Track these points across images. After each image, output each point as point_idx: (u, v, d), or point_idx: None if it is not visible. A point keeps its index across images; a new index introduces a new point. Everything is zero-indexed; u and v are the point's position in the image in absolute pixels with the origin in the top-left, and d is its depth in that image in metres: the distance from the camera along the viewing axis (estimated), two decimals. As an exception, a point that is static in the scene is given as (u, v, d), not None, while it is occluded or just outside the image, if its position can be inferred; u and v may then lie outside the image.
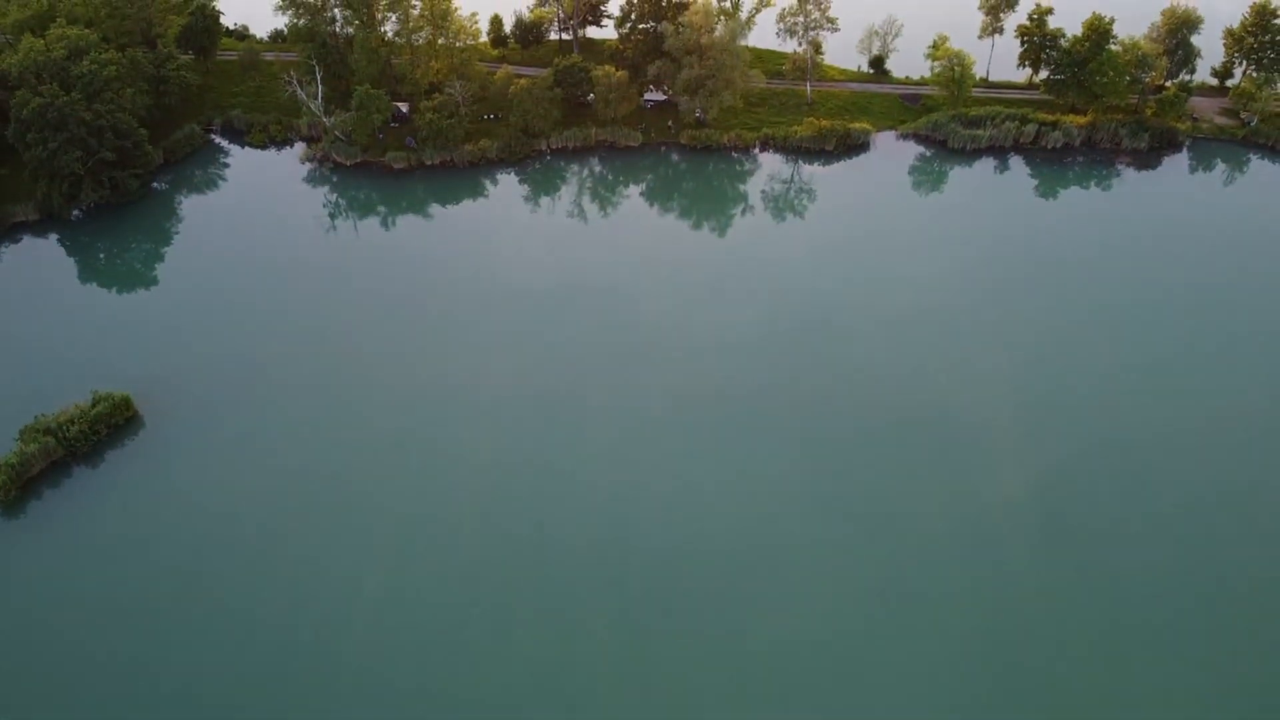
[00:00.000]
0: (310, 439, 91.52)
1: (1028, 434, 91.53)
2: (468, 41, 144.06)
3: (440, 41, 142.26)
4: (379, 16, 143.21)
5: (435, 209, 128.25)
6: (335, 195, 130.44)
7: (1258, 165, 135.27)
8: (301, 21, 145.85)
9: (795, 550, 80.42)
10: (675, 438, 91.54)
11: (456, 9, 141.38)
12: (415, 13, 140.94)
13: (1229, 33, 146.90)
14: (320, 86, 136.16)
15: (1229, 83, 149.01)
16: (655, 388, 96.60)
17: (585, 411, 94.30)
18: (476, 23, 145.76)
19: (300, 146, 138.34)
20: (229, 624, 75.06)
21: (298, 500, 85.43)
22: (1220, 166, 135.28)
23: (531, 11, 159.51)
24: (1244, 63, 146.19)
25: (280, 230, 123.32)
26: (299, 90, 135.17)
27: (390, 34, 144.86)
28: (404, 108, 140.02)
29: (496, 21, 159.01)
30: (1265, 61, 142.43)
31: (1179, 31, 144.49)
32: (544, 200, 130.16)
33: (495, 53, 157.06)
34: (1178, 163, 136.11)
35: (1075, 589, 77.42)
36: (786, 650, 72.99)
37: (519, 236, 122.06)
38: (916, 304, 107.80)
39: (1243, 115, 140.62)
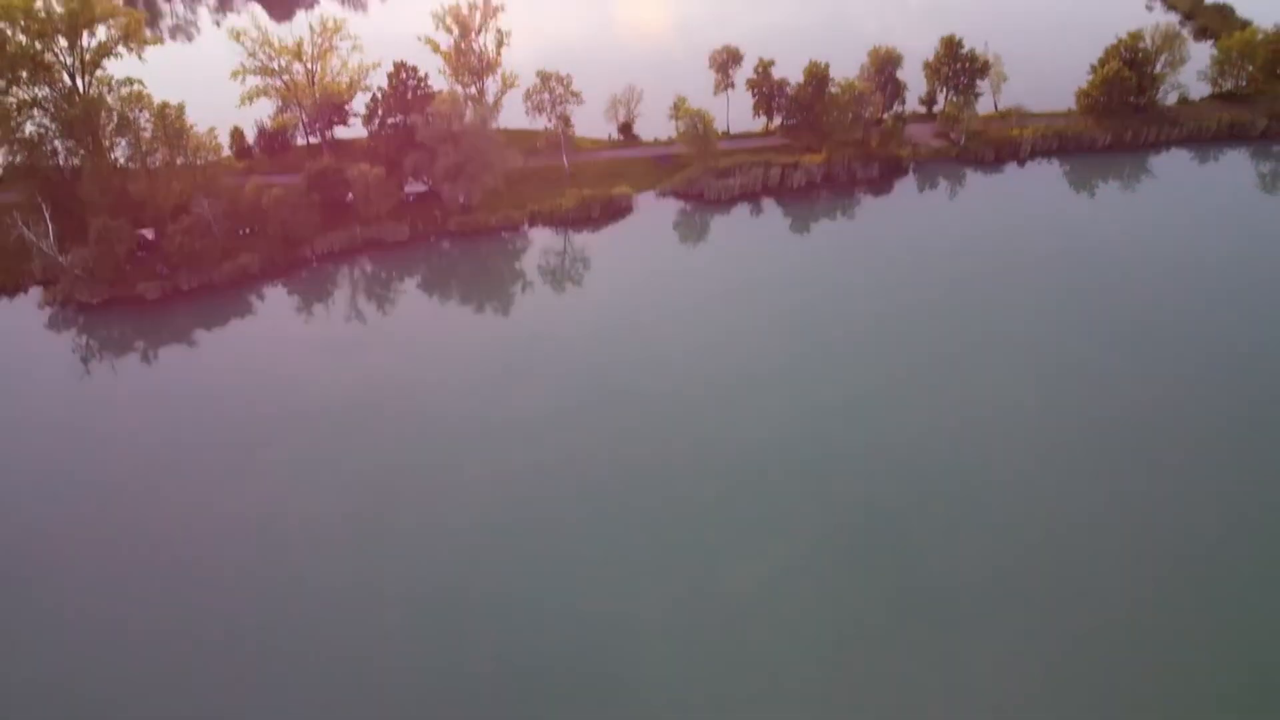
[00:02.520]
0: (103, 620, 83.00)
1: (853, 471, 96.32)
2: (209, 157, 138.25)
3: (180, 161, 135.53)
4: (107, 143, 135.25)
5: (200, 335, 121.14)
6: (84, 338, 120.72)
7: (972, 177, 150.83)
8: (18, 158, 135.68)
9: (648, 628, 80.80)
10: (512, 532, 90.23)
11: (192, 126, 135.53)
12: (147, 135, 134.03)
13: (927, 65, 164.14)
14: (50, 225, 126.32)
15: (935, 109, 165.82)
16: (478, 487, 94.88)
17: (411, 529, 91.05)
18: (216, 138, 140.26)
19: (36, 292, 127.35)
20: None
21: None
22: (943, 183, 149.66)
23: (273, 120, 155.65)
24: (944, 90, 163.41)
25: (23, 385, 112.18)
26: (26, 232, 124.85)
27: (122, 159, 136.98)
28: (150, 234, 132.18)
29: (237, 134, 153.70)
30: (960, 86, 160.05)
31: (885, 69, 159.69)
32: (318, 308, 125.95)
33: (241, 165, 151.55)
34: (907, 184, 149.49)
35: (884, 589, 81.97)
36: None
37: (298, 350, 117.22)
38: (711, 357, 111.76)
39: (952, 136, 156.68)
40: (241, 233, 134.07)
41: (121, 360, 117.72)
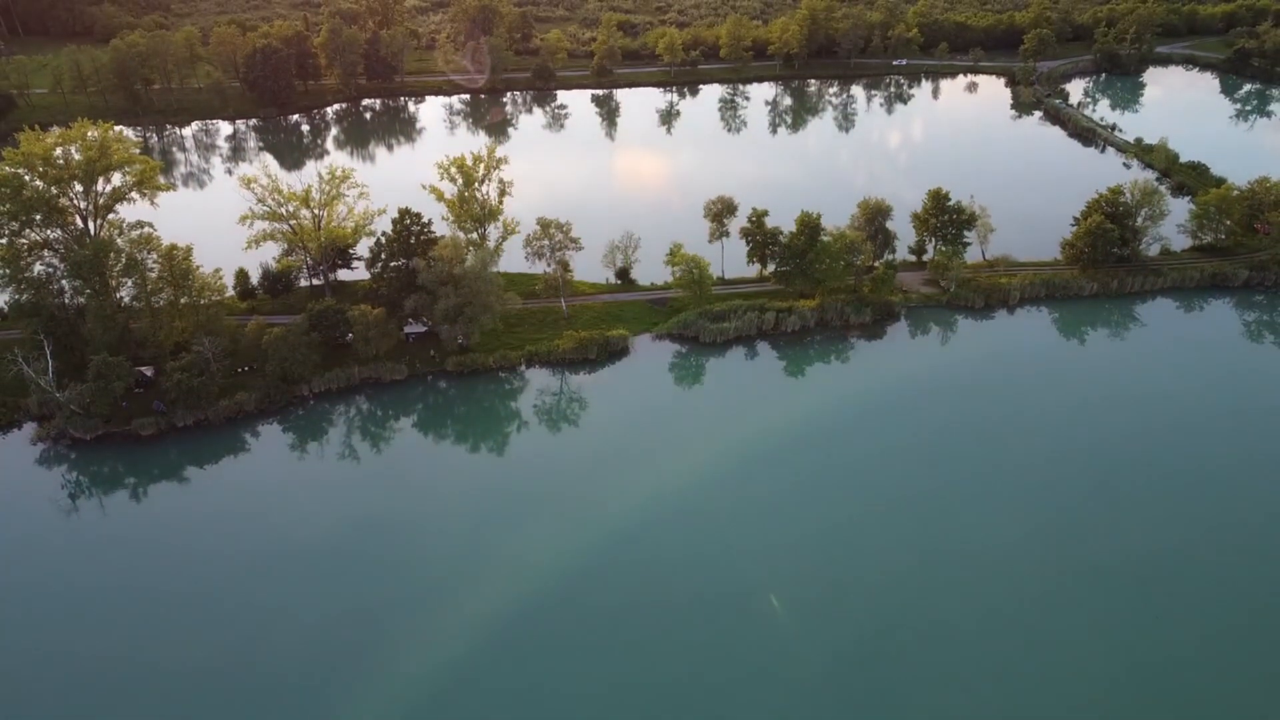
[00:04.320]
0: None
1: (845, 610, 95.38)
2: (212, 297, 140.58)
3: (183, 300, 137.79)
4: (114, 283, 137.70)
5: (192, 471, 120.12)
6: (75, 474, 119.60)
7: (963, 323, 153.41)
8: (25, 297, 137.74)
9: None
10: (507, 668, 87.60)
11: (198, 267, 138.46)
12: (154, 275, 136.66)
13: (915, 216, 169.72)
14: (51, 361, 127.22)
15: (925, 257, 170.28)
16: (468, 629, 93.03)
17: (402, 666, 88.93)
18: (221, 278, 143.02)
19: (31, 427, 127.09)
20: None
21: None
22: (934, 328, 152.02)
23: (278, 262, 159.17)
24: (932, 239, 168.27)
25: (11, 520, 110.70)
26: (25, 368, 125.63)
27: (128, 298, 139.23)
28: (149, 371, 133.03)
29: (242, 275, 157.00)
30: (948, 237, 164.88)
31: (875, 219, 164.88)
32: (312, 446, 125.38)
33: (243, 305, 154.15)
34: (899, 330, 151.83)
35: None
36: None
37: (290, 488, 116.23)
38: (707, 497, 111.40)
39: (941, 283, 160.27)
40: (240, 371, 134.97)
41: (110, 497, 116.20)
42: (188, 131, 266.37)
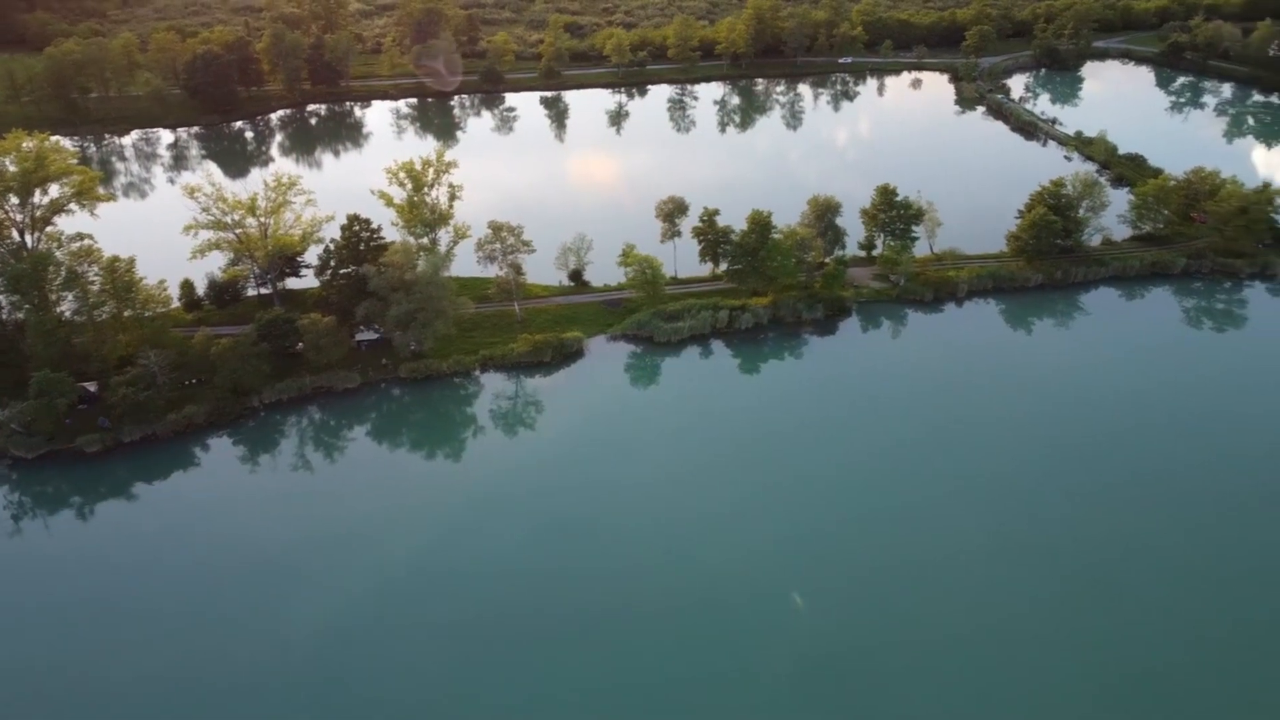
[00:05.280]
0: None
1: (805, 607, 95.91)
2: (157, 310, 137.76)
3: (127, 314, 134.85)
4: (54, 297, 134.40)
5: (140, 488, 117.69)
6: (17, 495, 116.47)
7: (913, 317, 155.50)
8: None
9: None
10: (467, 677, 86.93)
11: (142, 279, 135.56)
12: (95, 288, 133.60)
13: (864, 212, 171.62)
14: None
15: (875, 253, 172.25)
16: (430, 637, 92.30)
17: (361, 681, 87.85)
18: (166, 290, 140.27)
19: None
20: None
21: None
22: (885, 323, 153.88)
23: (225, 272, 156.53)
24: (881, 234, 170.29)
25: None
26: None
27: (68, 313, 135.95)
28: (92, 386, 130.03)
29: (187, 286, 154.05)
30: (897, 232, 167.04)
31: (825, 216, 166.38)
32: (264, 458, 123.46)
33: (190, 317, 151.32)
34: (851, 325, 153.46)
35: None
36: None
37: (242, 502, 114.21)
38: (665, 496, 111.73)
39: (891, 278, 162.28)
40: (188, 384, 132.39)
41: (55, 517, 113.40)
42: (127, 140, 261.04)
